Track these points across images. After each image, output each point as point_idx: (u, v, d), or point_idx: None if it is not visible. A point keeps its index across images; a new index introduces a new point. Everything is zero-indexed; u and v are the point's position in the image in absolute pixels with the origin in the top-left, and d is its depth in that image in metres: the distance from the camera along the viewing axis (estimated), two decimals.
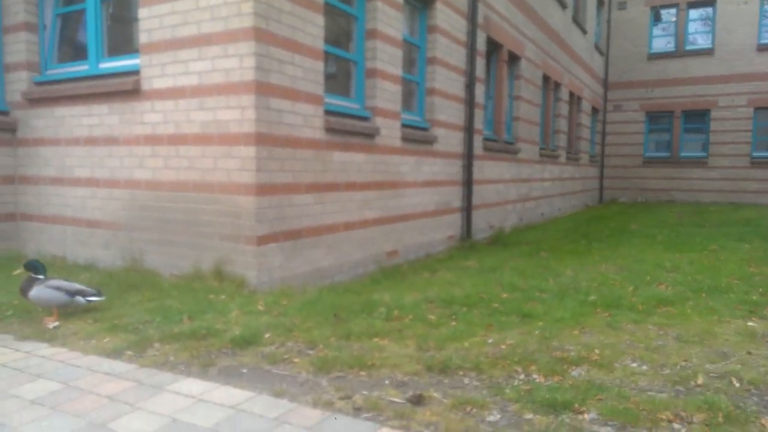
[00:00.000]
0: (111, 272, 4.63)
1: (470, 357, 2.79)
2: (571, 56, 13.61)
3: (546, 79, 11.83)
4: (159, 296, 3.92)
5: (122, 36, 5.27)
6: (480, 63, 8.14)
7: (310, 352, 2.96)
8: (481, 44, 8.13)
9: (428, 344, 3.03)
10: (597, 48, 16.69)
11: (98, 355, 2.89)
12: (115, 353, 2.90)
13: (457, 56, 7.50)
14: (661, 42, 17.69)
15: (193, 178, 4.51)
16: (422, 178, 6.79)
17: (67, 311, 3.52)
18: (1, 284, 4.31)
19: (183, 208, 4.58)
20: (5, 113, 5.51)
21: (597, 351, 2.89)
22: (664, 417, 2.13)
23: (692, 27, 17.26)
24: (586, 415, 2.19)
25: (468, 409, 2.24)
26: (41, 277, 3.45)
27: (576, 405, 2.25)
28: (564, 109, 13.30)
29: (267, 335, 3.17)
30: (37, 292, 3.36)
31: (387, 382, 2.56)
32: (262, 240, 4.35)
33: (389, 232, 6.15)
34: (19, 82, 5.46)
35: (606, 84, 18.09)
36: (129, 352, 2.91)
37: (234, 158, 4.32)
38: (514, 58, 9.80)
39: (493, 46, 8.84)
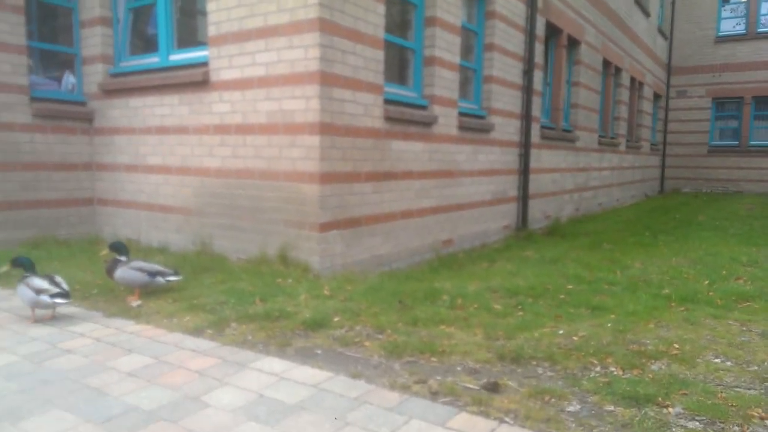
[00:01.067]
0: (183, 255, 4.86)
1: (542, 347, 2.78)
2: (632, 40, 13.05)
3: (606, 64, 11.42)
4: (230, 279, 4.08)
5: (191, 29, 5.46)
6: (539, 48, 7.94)
7: (379, 336, 3.01)
8: (540, 29, 7.92)
9: (497, 333, 3.03)
10: (660, 31, 15.93)
11: (181, 332, 3.05)
12: (196, 331, 3.06)
13: (516, 42, 7.35)
14: (730, 24, 16.70)
15: (259, 166, 4.65)
16: (478, 166, 6.72)
17: (147, 291, 3.73)
18: (84, 265, 4.61)
19: (250, 195, 4.73)
20: (83, 104, 5.83)
21: (676, 345, 2.81)
22: (755, 414, 2.06)
23: (765, 8, 16.18)
24: (670, 409, 2.14)
25: (546, 398, 2.24)
26: (124, 258, 3.66)
27: (659, 399, 2.21)
28: (624, 95, 12.80)
29: (336, 319, 3.25)
30: (121, 272, 3.57)
31: (459, 368, 2.58)
32: (325, 227, 4.44)
33: (445, 221, 6.14)
34: (95, 74, 5.76)
35: (669, 69, 17.27)
36: (209, 331, 3.06)
37: (298, 147, 4.42)
38: (573, 43, 9.51)
39: (552, 31, 8.60)
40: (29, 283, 3.17)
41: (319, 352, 2.80)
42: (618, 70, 12.26)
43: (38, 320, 3.29)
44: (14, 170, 5.24)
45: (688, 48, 17.09)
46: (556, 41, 8.90)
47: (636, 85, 13.88)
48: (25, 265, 3.32)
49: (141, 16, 5.79)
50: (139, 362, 2.62)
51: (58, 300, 3.16)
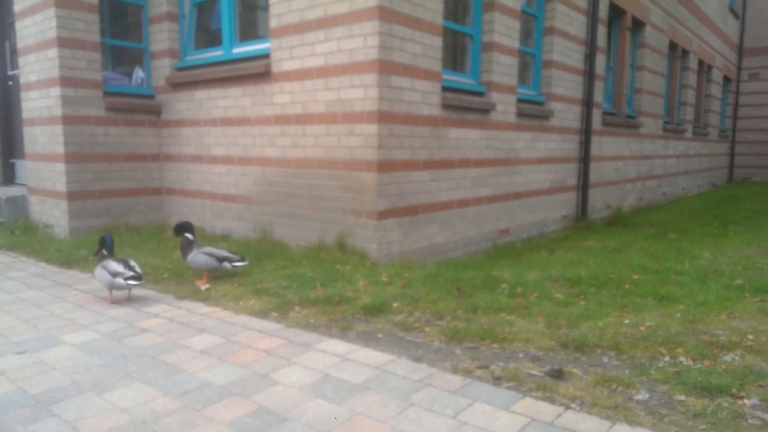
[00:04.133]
0: (245, 242, 5.04)
1: (607, 336, 2.71)
2: (701, 20, 12.32)
3: (672, 46, 10.84)
4: (291, 265, 4.20)
5: (252, 22, 5.61)
6: (601, 31, 7.64)
7: (439, 322, 3.03)
8: (602, 11, 7.61)
9: (559, 322, 2.97)
10: (731, 10, 14.94)
11: (248, 314, 3.18)
12: (262, 314, 3.17)
13: (577, 25, 7.10)
14: None
15: (318, 155, 4.74)
16: (537, 154, 6.57)
17: (215, 275, 3.90)
18: (154, 250, 4.86)
19: (308, 183, 4.83)
20: (151, 97, 6.12)
21: (750, 337, 2.67)
22: None
23: None
24: (746, 401, 2.04)
25: (613, 386, 2.19)
26: (189, 236, 3.80)
27: (733, 390, 2.11)
28: (692, 79, 12.12)
29: (395, 305, 3.29)
30: (193, 256, 3.75)
31: (521, 355, 2.56)
32: (383, 215, 4.48)
33: (502, 210, 6.05)
34: (163, 69, 6.03)
35: (741, 50, 16.20)
36: (274, 313, 3.17)
37: (357, 136, 4.47)
38: (638, 25, 9.08)
39: (615, 12, 8.25)
40: (106, 266, 3.39)
41: (380, 336, 2.84)
42: (685, 52, 11.62)
43: (115, 301, 3.51)
44: (90, 161, 5.58)
45: (762, 28, 15.95)
46: (619, 23, 8.53)
47: (704, 68, 13.11)
48: (106, 244, 3.55)
49: (205, 11, 6.01)
50: (210, 341, 2.75)
51: (132, 282, 3.35)
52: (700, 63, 12.70)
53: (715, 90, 14.15)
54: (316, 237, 4.76)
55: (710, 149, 14.43)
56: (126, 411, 2.05)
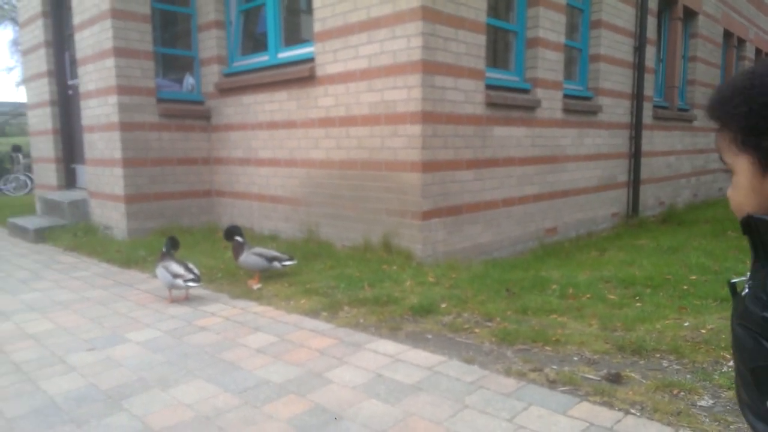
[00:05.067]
0: (292, 242, 5.14)
1: (666, 339, 2.63)
2: (758, 7, 11.71)
3: (727, 35, 10.35)
4: (338, 265, 4.26)
5: (297, 26, 5.72)
6: (651, 22, 7.38)
7: (489, 324, 3.01)
8: (652, 1, 7.35)
9: (614, 324, 2.90)
10: None
11: (299, 314, 3.25)
12: (312, 313, 3.24)
13: (625, 17, 6.88)
14: None
15: (362, 156, 4.78)
16: (584, 151, 6.42)
17: (265, 275, 4.00)
18: (206, 251, 5.03)
19: (353, 185, 4.88)
20: (201, 103, 6.33)
21: None
22: None
23: None
24: None
25: (674, 391, 2.12)
26: (239, 239, 3.92)
27: None
28: None
29: (443, 305, 3.29)
30: (244, 257, 3.87)
31: (576, 358, 2.52)
32: (427, 215, 4.48)
33: (548, 209, 5.94)
34: (212, 75, 6.22)
35: None
36: (324, 313, 3.23)
37: (400, 137, 4.48)
38: (689, 14, 8.72)
39: (665, 3, 7.95)
40: (168, 267, 3.54)
41: (429, 336, 2.85)
42: (741, 41, 11.07)
43: (174, 300, 3.65)
44: (144, 166, 5.82)
45: None
46: (670, 13, 8.21)
47: (762, 57, 12.44)
48: (173, 243, 3.77)
49: (251, 18, 6.16)
50: (265, 340, 2.83)
51: (191, 284, 3.50)
52: (758, 52, 12.07)
53: None
54: (361, 237, 4.81)
55: None
56: (190, 407, 2.14)
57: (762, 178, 0.78)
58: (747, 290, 0.79)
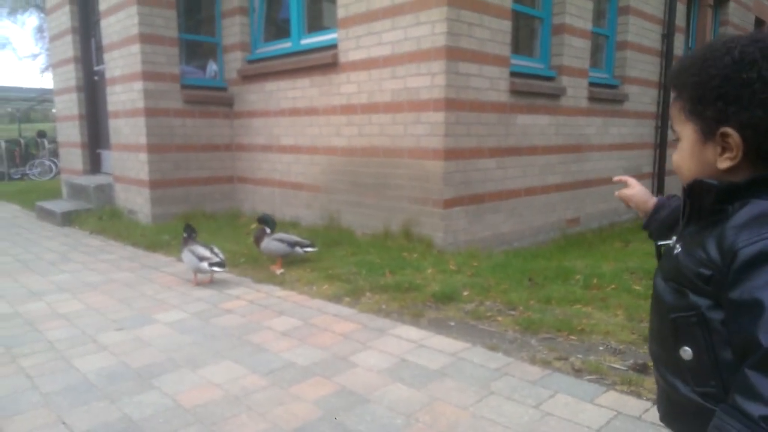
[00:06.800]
0: (314, 229, 5.17)
1: None
2: None
3: (759, 23, 10.04)
4: (359, 251, 4.29)
5: (320, 13, 5.70)
6: (680, 9, 7.20)
7: (512, 312, 3.00)
8: None
9: (640, 315, 2.87)
10: None
11: (322, 299, 3.28)
12: (335, 298, 3.27)
13: (654, 3, 6.72)
14: None
15: (384, 144, 4.77)
16: (609, 140, 6.32)
17: (287, 260, 4.04)
18: (229, 236, 5.09)
19: (374, 172, 4.88)
20: (224, 89, 6.36)
21: None
22: None
23: None
24: None
25: None
26: (268, 230, 3.99)
27: None
28: None
29: (465, 293, 3.29)
30: (266, 243, 3.91)
31: (601, 348, 2.50)
32: (449, 203, 4.47)
33: (571, 199, 5.88)
34: (235, 62, 6.24)
35: None
36: (347, 299, 3.25)
37: (423, 124, 4.46)
38: (720, 1, 8.48)
39: None
40: (194, 250, 3.59)
41: (452, 323, 2.86)
42: None
43: (199, 283, 3.71)
44: (169, 151, 5.88)
45: None
46: (700, 0, 8.00)
47: None
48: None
49: (274, 4, 6.15)
50: (290, 324, 2.87)
51: (216, 268, 3.55)
52: None
53: None
54: (382, 225, 4.82)
55: None
56: (219, 386, 2.18)
57: (702, 146, 0.83)
58: (679, 249, 0.85)
